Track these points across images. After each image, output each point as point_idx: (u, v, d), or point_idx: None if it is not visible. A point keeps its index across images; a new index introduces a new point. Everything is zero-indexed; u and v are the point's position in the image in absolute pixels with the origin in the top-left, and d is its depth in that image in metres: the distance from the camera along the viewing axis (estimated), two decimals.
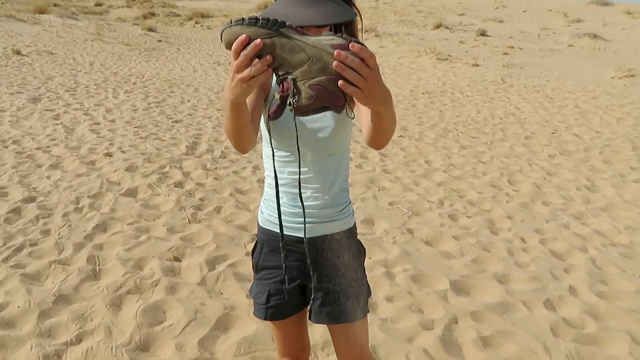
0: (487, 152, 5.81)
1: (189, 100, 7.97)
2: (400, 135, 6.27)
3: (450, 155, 5.64)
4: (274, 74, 1.07)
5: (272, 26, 1.00)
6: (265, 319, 1.59)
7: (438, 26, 20.45)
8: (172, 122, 6.59)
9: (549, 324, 2.72)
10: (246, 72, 1.02)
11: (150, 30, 18.00)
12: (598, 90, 9.49)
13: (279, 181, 1.49)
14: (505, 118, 7.43)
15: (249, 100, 1.35)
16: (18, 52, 11.26)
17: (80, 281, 2.95)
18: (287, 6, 1.24)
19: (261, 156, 1.55)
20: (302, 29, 1.03)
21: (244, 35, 1.00)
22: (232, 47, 1.02)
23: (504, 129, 6.80)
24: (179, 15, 25.41)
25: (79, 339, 2.47)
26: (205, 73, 10.77)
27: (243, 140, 1.30)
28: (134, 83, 9.17)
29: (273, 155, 1.38)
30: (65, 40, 14.20)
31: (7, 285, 2.87)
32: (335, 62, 0.97)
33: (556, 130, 6.78)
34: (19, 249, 3.28)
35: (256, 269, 1.63)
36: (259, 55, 1.02)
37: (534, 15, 25.47)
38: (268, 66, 1.03)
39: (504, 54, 14.25)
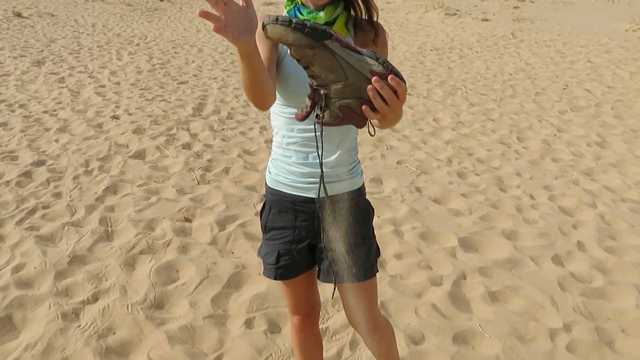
0: (497, 109, 5.73)
1: (193, 61, 7.87)
2: (409, 93, 6.18)
3: (458, 113, 5.57)
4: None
5: (317, 36, 0.98)
6: (275, 279, 1.60)
7: None
8: (177, 83, 6.54)
9: (556, 279, 2.75)
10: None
11: None
12: (611, 43, 9.25)
13: (289, 139, 1.48)
14: (515, 74, 7.29)
15: (261, 52, 1.29)
16: (19, 15, 11.10)
17: (94, 242, 3.00)
18: None
19: (268, 116, 1.52)
20: (348, 42, 1.01)
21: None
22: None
23: (513, 86, 6.68)
24: None
25: (95, 298, 2.54)
26: (209, 33, 10.58)
27: (260, 96, 1.23)
28: (137, 44, 9.05)
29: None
30: (66, 1, 13.94)
31: (22, 246, 2.92)
32: (369, 87, 0.97)
33: (567, 86, 6.65)
34: (32, 211, 3.32)
35: (265, 229, 1.63)
36: (297, 60, 1.02)
37: None
38: (308, 74, 1.03)
39: (515, 7, 13.84)
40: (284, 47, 1.35)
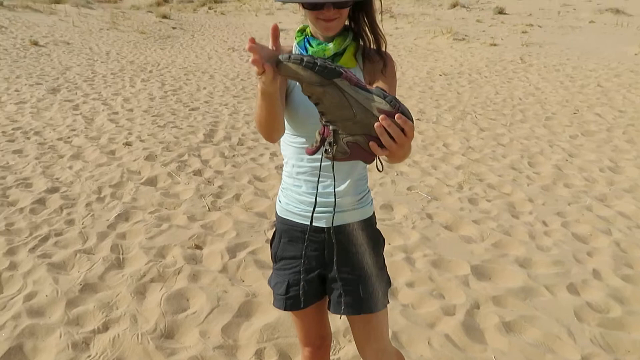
0: (507, 134, 5.72)
1: (204, 88, 7.98)
2: (418, 119, 6.20)
3: (468, 138, 5.57)
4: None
5: (327, 75, 1.01)
6: (285, 310, 1.59)
7: (454, 5, 20.06)
8: (189, 110, 6.62)
9: (572, 309, 2.69)
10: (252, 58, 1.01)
11: (165, 17, 18.03)
12: (621, 67, 9.25)
13: (298, 169, 1.48)
14: (525, 99, 7.30)
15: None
16: (36, 43, 11.37)
17: (105, 270, 3.01)
18: None
19: (279, 143, 1.53)
20: (357, 80, 1.04)
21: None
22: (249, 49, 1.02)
23: (523, 110, 6.68)
24: (192, 1, 25.36)
25: (105, 327, 2.53)
26: (220, 60, 10.76)
27: (273, 130, 1.30)
28: (150, 71, 9.21)
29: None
30: (81, 29, 14.29)
31: (35, 274, 2.94)
32: (377, 124, 0.99)
33: (578, 110, 6.64)
34: (45, 238, 3.34)
35: (275, 259, 1.63)
36: (308, 96, 1.05)
37: None
38: (318, 110, 1.06)
39: (523, 32, 13.95)
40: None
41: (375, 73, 1.44)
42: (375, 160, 1.11)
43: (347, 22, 1.43)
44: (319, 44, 1.38)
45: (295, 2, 1.32)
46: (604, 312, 2.69)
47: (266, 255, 3.19)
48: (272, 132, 1.31)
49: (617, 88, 7.76)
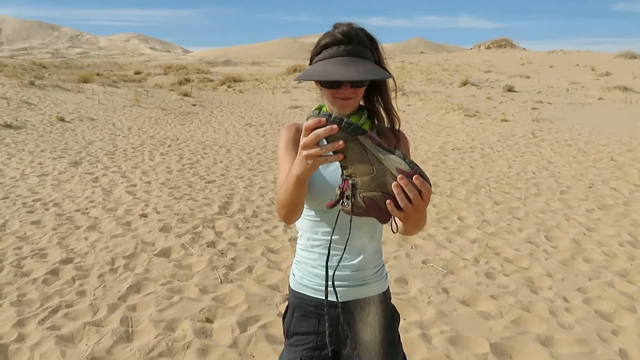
0: (522, 207, 5.69)
1: (221, 161, 8.18)
2: (432, 192, 6.22)
3: (483, 212, 5.55)
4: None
5: (353, 132, 1.06)
6: None
7: (465, 83, 20.72)
8: (205, 182, 6.75)
9: None
10: (314, 151, 1.09)
11: (185, 95, 18.86)
12: (633, 142, 9.30)
13: (313, 242, 1.49)
14: (539, 172, 7.32)
15: (293, 158, 1.42)
16: (62, 119, 11.91)
17: (114, 343, 2.94)
18: (326, 64, 1.32)
19: None
20: (380, 141, 1.09)
21: (324, 118, 1.07)
22: (306, 124, 1.09)
23: (537, 184, 6.68)
24: (212, 81, 26.61)
25: None
26: (237, 135, 11.10)
27: (294, 212, 1.35)
28: (169, 145, 9.50)
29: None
30: (106, 106, 14.97)
31: (42, 347, 2.88)
32: (394, 183, 1.03)
33: (592, 184, 6.62)
34: (55, 310, 3.32)
35: (287, 334, 1.58)
36: (333, 151, 1.09)
37: (560, 70, 25.59)
38: (340, 164, 1.11)
39: (533, 108, 14.24)
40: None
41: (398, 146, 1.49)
42: (390, 221, 1.12)
43: (362, 102, 1.49)
44: None
45: (313, 80, 1.37)
46: None
47: (277, 329, 3.11)
48: (293, 215, 1.37)
49: (630, 162, 7.76)
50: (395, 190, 1.03)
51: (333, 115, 1.07)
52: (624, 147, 8.86)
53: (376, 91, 1.49)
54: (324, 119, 1.06)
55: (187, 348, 2.91)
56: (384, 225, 1.24)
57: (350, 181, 1.08)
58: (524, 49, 38.64)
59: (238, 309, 3.38)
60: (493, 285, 3.78)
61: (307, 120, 1.09)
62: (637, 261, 4.21)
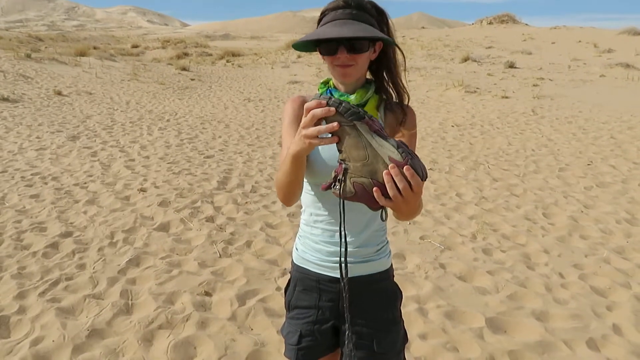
0: (520, 184, 5.70)
1: (220, 136, 8.14)
2: (431, 169, 6.22)
3: (481, 188, 5.55)
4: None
5: (350, 115, 1.06)
6: None
7: (465, 59, 20.53)
8: (204, 157, 6.73)
9: None
10: (311, 131, 1.09)
11: (184, 69, 18.67)
12: (634, 120, 9.27)
13: (316, 217, 1.48)
14: (538, 150, 7.31)
15: (291, 137, 1.42)
16: (59, 93, 11.80)
17: (113, 315, 2.98)
18: (323, 28, 1.32)
19: None
20: (378, 128, 1.07)
21: (324, 101, 1.07)
22: (307, 105, 1.09)
23: (536, 161, 6.68)
24: (210, 55, 26.30)
25: None
26: (236, 110, 11.03)
27: (293, 194, 1.35)
28: (168, 120, 9.45)
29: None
30: (104, 80, 14.83)
31: (43, 319, 2.92)
32: (385, 172, 1.02)
33: (591, 162, 6.61)
34: (55, 283, 3.34)
35: (288, 307, 1.60)
36: (330, 133, 1.09)
37: (563, 47, 25.32)
38: (337, 147, 1.11)
39: (534, 85, 14.14)
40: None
41: (395, 125, 1.46)
42: (380, 209, 1.11)
43: (370, 76, 1.47)
44: (341, 95, 1.41)
45: (310, 40, 1.34)
46: None
47: (276, 303, 3.15)
48: (292, 196, 1.37)
49: (630, 140, 7.75)
50: (385, 178, 1.01)
51: (333, 99, 1.07)
52: (624, 125, 8.84)
53: (384, 65, 1.46)
54: (324, 101, 1.07)
55: (187, 320, 2.95)
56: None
57: (344, 165, 1.08)
58: (526, 24, 38.15)
59: (237, 283, 3.41)
60: (490, 261, 3.81)
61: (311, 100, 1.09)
62: (634, 238, 4.24)
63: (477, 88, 13.48)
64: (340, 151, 1.09)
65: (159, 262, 3.69)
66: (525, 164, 6.57)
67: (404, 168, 1.00)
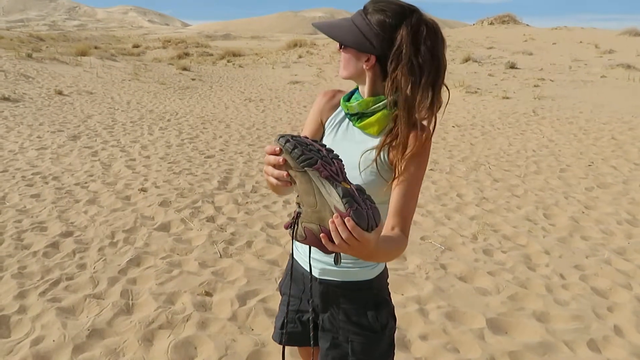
0: (521, 185, 5.69)
1: (220, 136, 8.14)
2: (431, 169, 6.22)
3: (482, 189, 5.55)
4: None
5: (300, 162, 1.06)
6: (280, 344, 1.59)
7: (466, 60, 20.50)
8: (204, 157, 6.73)
9: None
10: (268, 172, 1.09)
11: (185, 69, 18.67)
12: (635, 121, 9.26)
13: None
14: (539, 150, 7.31)
15: (310, 124, 1.50)
16: (60, 92, 11.80)
17: (114, 315, 2.98)
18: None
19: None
20: (330, 174, 1.06)
21: (277, 148, 1.08)
22: (265, 149, 1.10)
23: (537, 162, 6.67)
24: (211, 55, 26.31)
25: None
26: (236, 109, 11.02)
27: (280, 193, 1.43)
28: (169, 120, 9.45)
29: None
30: (104, 80, 14.83)
31: (43, 318, 2.92)
32: (330, 220, 1.01)
33: (592, 163, 6.61)
34: (56, 282, 3.34)
35: (281, 292, 1.71)
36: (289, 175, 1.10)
37: (564, 48, 25.29)
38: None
39: (535, 86, 14.13)
40: (329, 124, 1.49)
41: (397, 146, 1.37)
42: (332, 253, 1.09)
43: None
44: (354, 99, 1.42)
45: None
46: None
47: (276, 303, 3.14)
48: (280, 194, 1.46)
49: (631, 141, 7.74)
50: (330, 227, 1.00)
51: (288, 143, 1.06)
52: (625, 126, 8.83)
53: (394, 84, 1.29)
54: (278, 148, 1.07)
55: (187, 321, 2.95)
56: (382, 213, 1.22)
57: (297, 209, 1.09)
58: (527, 25, 38.10)
59: (237, 283, 3.40)
60: (491, 261, 3.81)
61: (275, 139, 1.10)
62: (635, 239, 4.24)
63: (478, 88, 13.47)
64: (297, 195, 1.10)
65: (159, 262, 3.69)
66: (526, 164, 6.56)
67: (346, 220, 0.99)
